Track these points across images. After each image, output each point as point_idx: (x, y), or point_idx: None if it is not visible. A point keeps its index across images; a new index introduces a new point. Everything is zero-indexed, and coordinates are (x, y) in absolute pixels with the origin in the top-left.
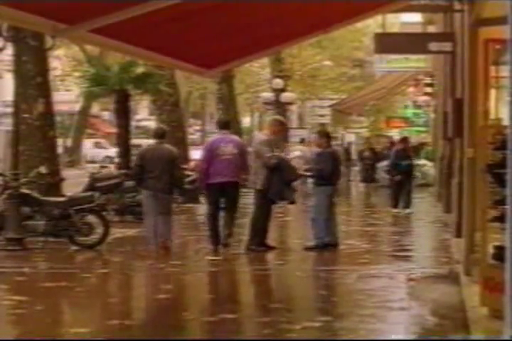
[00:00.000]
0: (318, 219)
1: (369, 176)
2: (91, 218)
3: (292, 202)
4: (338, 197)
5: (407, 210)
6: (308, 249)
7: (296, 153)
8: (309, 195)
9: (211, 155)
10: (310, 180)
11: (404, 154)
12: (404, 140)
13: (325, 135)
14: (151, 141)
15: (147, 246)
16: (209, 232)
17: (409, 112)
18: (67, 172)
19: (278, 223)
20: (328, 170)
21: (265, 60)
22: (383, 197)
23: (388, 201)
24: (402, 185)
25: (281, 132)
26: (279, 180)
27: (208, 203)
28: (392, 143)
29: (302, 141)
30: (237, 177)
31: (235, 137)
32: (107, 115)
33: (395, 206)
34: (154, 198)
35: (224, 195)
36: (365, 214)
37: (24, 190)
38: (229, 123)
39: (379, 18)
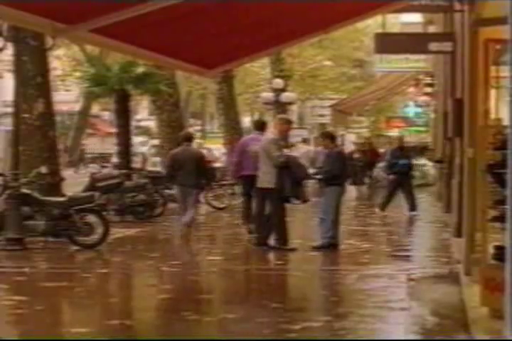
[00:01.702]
0: (326, 218)
1: (359, 179)
2: (91, 218)
3: (305, 201)
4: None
5: (413, 212)
6: (315, 248)
7: (301, 150)
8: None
9: (241, 151)
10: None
11: (401, 153)
12: (400, 139)
13: (329, 136)
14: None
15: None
16: (243, 217)
17: (411, 111)
18: (67, 172)
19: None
20: (338, 171)
21: (265, 60)
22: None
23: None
24: (400, 185)
25: (288, 131)
26: (290, 178)
27: (242, 191)
28: (370, 144)
29: (304, 141)
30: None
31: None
32: (107, 115)
33: (384, 208)
34: (183, 192)
35: (253, 187)
36: (364, 215)
37: (24, 190)
38: (263, 125)
39: (379, 18)
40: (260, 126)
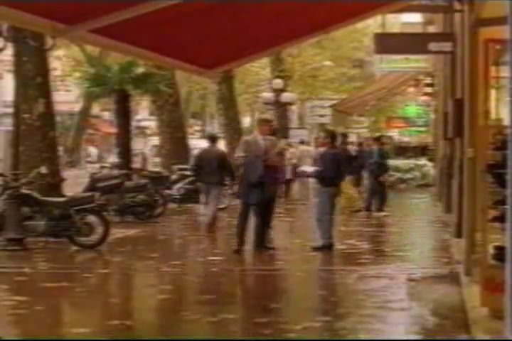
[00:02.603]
0: (322, 219)
1: (353, 180)
2: (91, 218)
3: (254, 205)
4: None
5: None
6: (315, 249)
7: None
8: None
9: None
10: (311, 180)
11: (382, 153)
12: (379, 139)
13: (330, 135)
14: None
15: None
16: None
17: (412, 111)
18: (67, 173)
19: (278, 223)
20: (330, 171)
21: (265, 60)
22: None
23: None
24: (383, 185)
25: (268, 130)
26: (244, 180)
27: None
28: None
29: (302, 142)
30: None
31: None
32: (107, 115)
33: (381, 209)
34: (207, 188)
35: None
36: (363, 215)
37: (24, 191)
38: (274, 131)
39: (379, 18)
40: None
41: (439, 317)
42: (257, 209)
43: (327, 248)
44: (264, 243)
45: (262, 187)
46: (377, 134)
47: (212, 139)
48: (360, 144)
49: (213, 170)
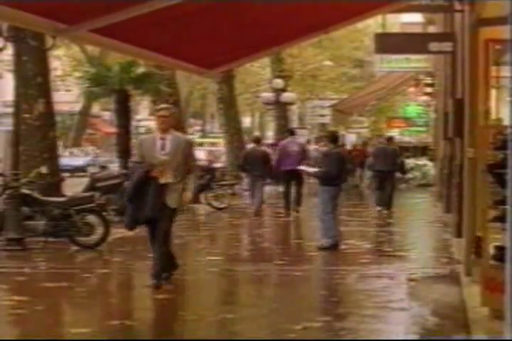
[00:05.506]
0: (324, 218)
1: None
2: (91, 218)
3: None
4: (341, 199)
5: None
6: (322, 249)
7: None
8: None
9: (283, 152)
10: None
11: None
12: (391, 139)
13: (331, 135)
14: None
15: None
16: (284, 202)
17: (412, 111)
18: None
19: (278, 223)
20: (334, 171)
21: (265, 60)
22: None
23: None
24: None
25: (164, 123)
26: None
27: (283, 183)
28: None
29: (308, 142)
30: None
31: (299, 141)
32: (107, 115)
33: (380, 204)
34: (253, 180)
35: (292, 178)
36: (363, 215)
37: (24, 190)
38: (294, 132)
39: (379, 18)
40: (292, 132)
41: (439, 317)
42: (149, 231)
43: (331, 247)
44: (172, 269)
45: (146, 204)
46: (388, 134)
47: (257, 141)
48: (364, 144)
49: (258, 165)
